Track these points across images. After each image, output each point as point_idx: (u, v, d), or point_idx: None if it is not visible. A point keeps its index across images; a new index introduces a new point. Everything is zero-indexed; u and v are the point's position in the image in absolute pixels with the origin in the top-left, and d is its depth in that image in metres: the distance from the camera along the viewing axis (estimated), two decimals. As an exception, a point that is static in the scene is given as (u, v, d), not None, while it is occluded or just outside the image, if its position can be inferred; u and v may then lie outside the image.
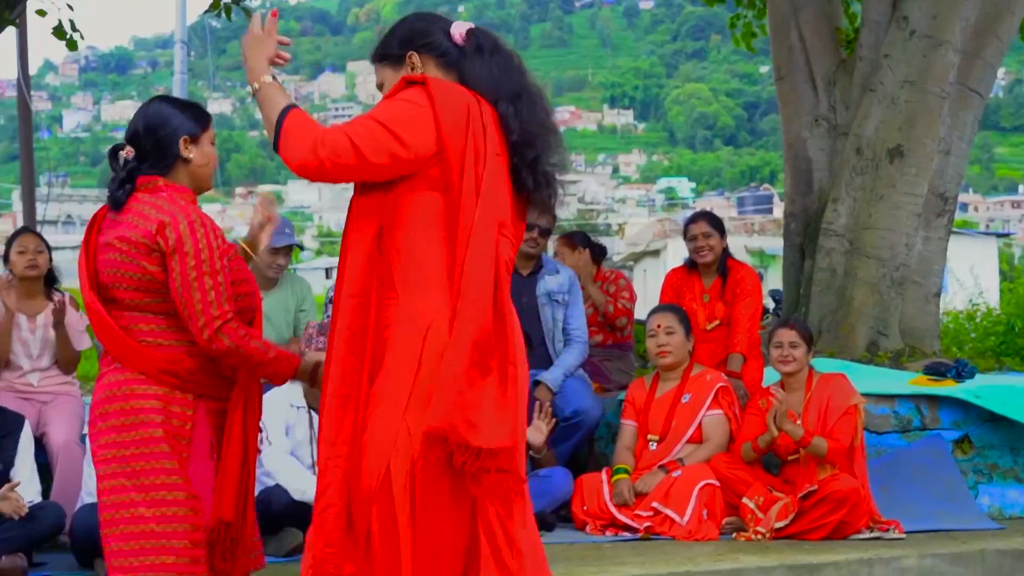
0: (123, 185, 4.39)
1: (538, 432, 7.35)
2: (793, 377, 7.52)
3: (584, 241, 9.13)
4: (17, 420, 6.84)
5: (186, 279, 4.18)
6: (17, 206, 55.87)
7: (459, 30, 4.04)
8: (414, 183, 3.80)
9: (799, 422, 7.29)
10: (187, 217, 4.24)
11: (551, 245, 9.07)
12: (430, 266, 3.79)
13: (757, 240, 37.84)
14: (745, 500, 7.28)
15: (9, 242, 7.73)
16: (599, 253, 9.24)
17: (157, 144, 4.41)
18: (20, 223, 25.21)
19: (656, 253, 41.42)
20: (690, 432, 7.62)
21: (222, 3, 10.10)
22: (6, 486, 6.36)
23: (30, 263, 7.54)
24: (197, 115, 4.52)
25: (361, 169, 3.76)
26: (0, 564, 6.44)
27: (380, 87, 4.10)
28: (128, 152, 4.43)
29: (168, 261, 4.21)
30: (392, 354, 3.74)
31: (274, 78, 3.95)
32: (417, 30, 4.05)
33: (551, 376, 7.93)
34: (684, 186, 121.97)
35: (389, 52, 4.07)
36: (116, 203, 4.37)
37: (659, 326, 7.79)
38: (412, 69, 3.98)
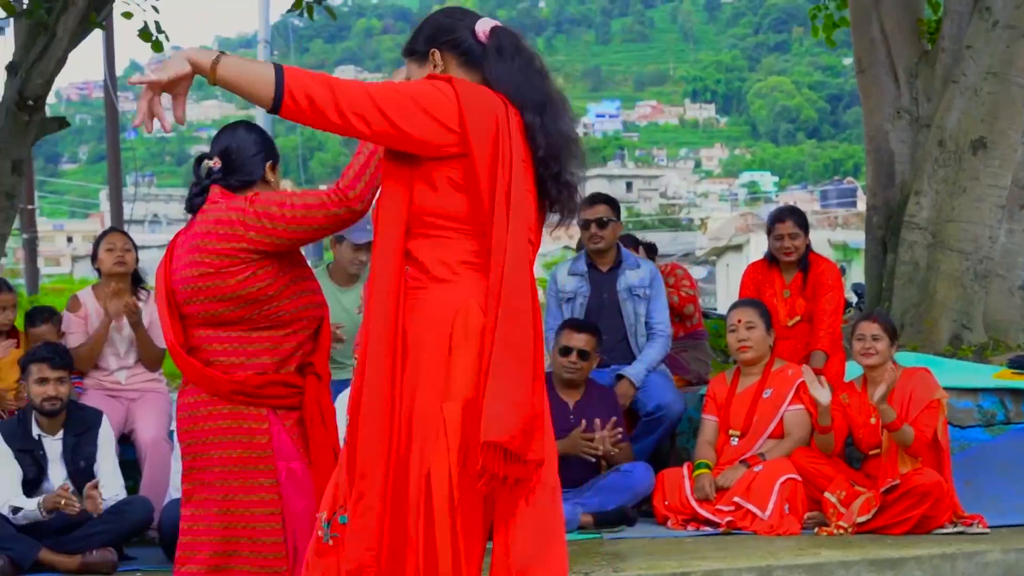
0: (202, 193, 4.59)
1: (601, 444, 7.36)
2: (875, 370, 7.48)
3: (635, 241, 9.20)
4: (95, 416, 6.95)
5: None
6: (104, 206, 56.55)
7: (483, 28, 3.95)
8: (437, 183, 3.76)
9: (881, 412, 7.25)
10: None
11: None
12: (457, 255, 3.77)
13: (840, 234, 37.61)
14: (827, 494, 7.26)
15: (97, 241, 7.86)
16: (651, 251, 9.29)
17: (247, 162, 4.66)
18: (107, 223, 25.56)
19: (738, 248, 41.22)
20: (771, 427, 7.61)
21: (304, 3, 10.17)
22: (88, 484, 6.49)
23: (118, 260, 7.66)
24: (274, 148, 4.80)
25: (394, 137, 3.73)
26: (91, 558, 6.57)
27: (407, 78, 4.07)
28: (216, 163, 4.62)
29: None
30: (423, 340, 3.73)
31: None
32: (442, 27, 3.97)
33: (634, 371, 7.96)
34: (767, 180, 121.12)
35: (415, 48, 4.01)
36: (193, 208, 4.55)
37: (739, 321, 7.78)
38: (435, 67, 3.93)
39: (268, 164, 4.72)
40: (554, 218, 4.03)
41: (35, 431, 6.79)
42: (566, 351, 7.61)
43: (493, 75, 3.87)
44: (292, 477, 4.54)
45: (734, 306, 8.03)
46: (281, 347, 4.56)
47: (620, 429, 7.43)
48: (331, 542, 3.79)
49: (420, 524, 3.68)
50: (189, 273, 4.51)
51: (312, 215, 4.37)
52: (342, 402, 7.07)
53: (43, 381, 6.73)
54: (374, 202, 4.04)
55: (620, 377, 7.95)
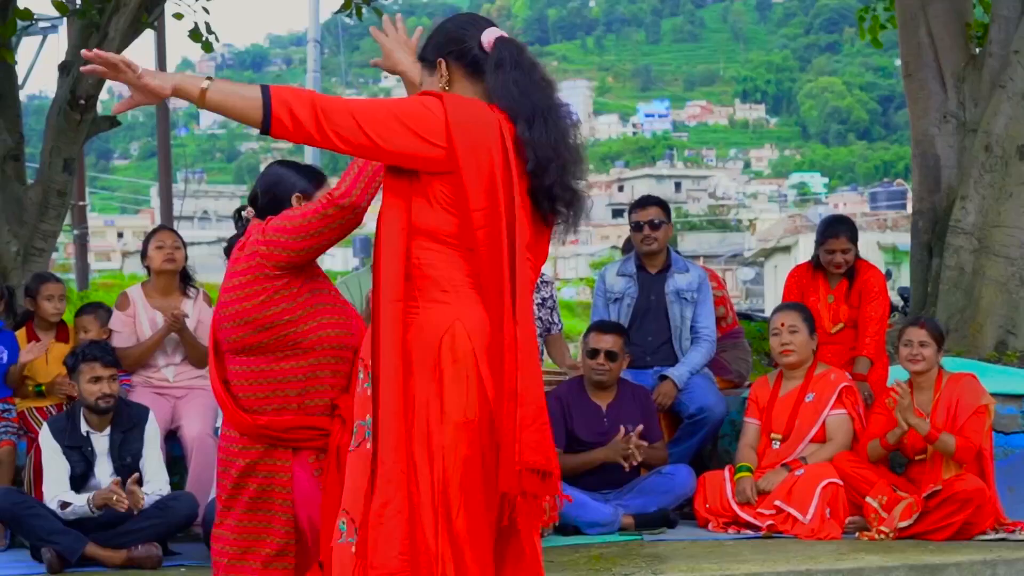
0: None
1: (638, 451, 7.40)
2: (922, 376, 7.46)
3: None
4: (142, 412, 7.03)
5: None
6: (155, 202, 56.93)
7: (488, 38, 3.93)
8: (425, 201, 3.79)
9: (927, 420, 7.25)
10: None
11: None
12: (449, 275, 3.79)
13: (890, 236, 37.41)
14: (868, 499, 7.25)
15: (147, 238, 7.94)
16: None
17: (272, 200, 4.85)
18: (158, 219, 25.76)
19: (787, 249, 41.05)
20: (813, 431, 7.60)
21: (353, 3, 10.24)
22: (130, 479, 6.58)
23: (167, 257, 7.74)
24: (311, 175, 4.97)
25: (376, 153, 3.78)
26: (136, 553, 6.66)
27: (420, 86, 4.11)
28: (249, 212, 4.81)
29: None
30: (414, 362, 3.78)
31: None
32: (451, 36, 3.95)
33: (677, 372, 7.98)
34: (816, 181, 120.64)
35: (425, 56, 4.01)
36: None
37: (782, 324, 7.78)
38: (441, 77, 3.94)
39: (295, 196, 4.87)
40: (560, 227, 4.03)
41: (83, 428, 6.88)
42: (594, 353, 7.63)
43: (491, 87, 3.88)
44: (312, 527, 4.76)
45: (777, 310, 8.03)
46: (306, 378, 4.73)
47: (639, 428, 7.41)
48: (355, 548, 3.83)
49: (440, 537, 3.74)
50: (223, 299, 4.77)
51: (309, 221, 4.56)
52: None
53: (96, 380, 6.82)
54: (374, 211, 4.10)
55: (663, 378, 7.98)
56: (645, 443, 7.40)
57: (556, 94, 3.94)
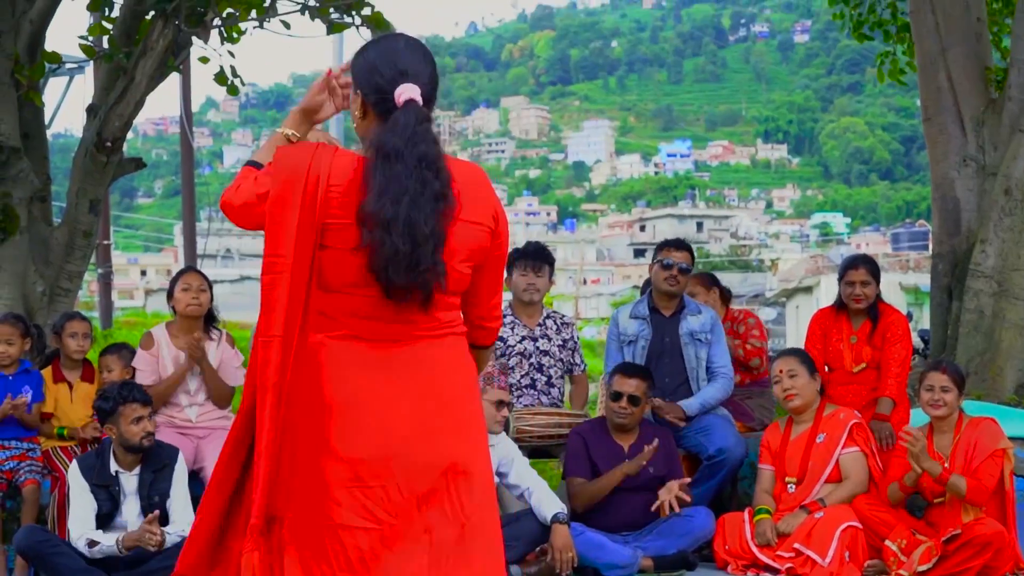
0: None
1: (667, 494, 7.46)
2: (943, 420, 7.49)
3: (714, 281, 9.23)
4: (172, 453, 7.09)
5: None
6: (178, 240, 57.11)
7: (400, 94, 3.78)
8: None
9: (946, 466, 7.26)
10: None
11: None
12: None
13: (912, 277, 37.37)
14: (888, 542, 7.26)
15: (174, 279, 7.99)
16: (727, 295, 9.33)
17: None
18: (181, 257, 25.86)
19: (808, 290, 41.05)
20: (827, 472, 7.61)
21: (376, 46, 10.30)
22: (148, 518, 6.63)
23: (193, 301, 7.80)
24: None
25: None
26: (154, 594, 6.71)
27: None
28: None
29: None
30: None
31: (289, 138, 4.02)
32: (374, 82, 3.83)
33: (688, 402, 8.02)
34: (839, 221, 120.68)
35: (352, 75, 3.92)
36: None
37: (781, 371, 7.82)
38: (357, 108, 3.87)
39: None
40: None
41: (113, 467, 6.94)
42: (617, 396, 7.67)
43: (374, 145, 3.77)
44: None
45: (775, 357, 8.07)
46: None
47: (655, 442, 7.48)
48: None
49: None
50: None
51: None
52: None
53: (139, 420, 6.91)
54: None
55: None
56: (687, 488, 7.47)
57: (432, 174, 3.73)
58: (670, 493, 7.39)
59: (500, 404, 7.27)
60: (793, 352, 8.04)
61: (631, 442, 7.70)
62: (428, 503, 3.70)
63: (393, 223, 3.61)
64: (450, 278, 3.77)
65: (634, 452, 7.62)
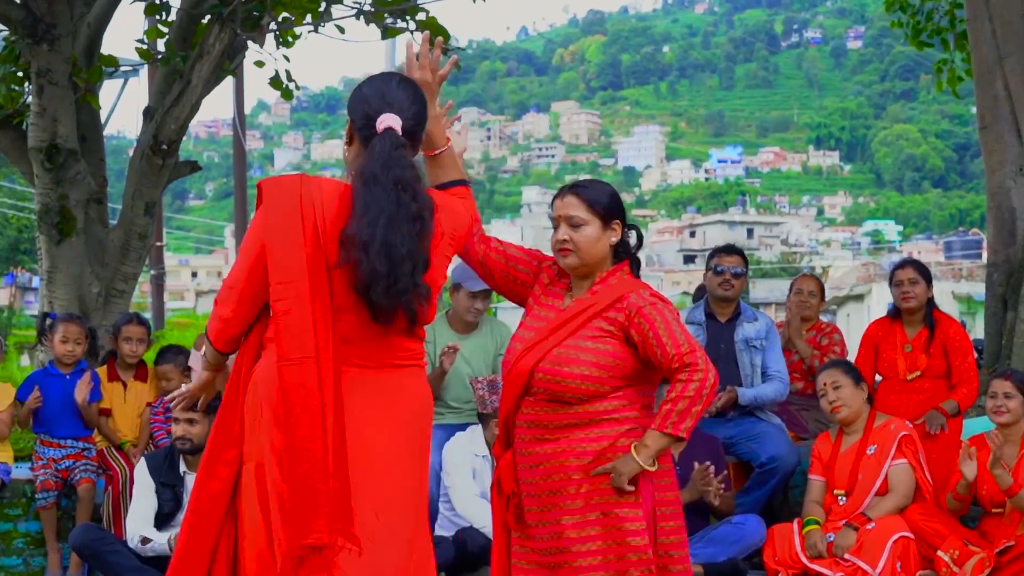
0: None
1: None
2: (1008, 428, 7.44)
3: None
4: (237, 459, 7.14)
5: None
6: (229, 242, 57.48)
7: (380, 123, 4.03)
8: None
9: (1009, 473, 7.22)
10: None
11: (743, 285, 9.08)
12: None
13: (965, 286, 37.14)
14: (940, 553, 7.21)
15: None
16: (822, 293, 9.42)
17: None
18: (232, 259, 25.98)
19: (860, 298, 40.85)
20: (877, 484, 7.54)
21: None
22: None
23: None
24: None
25: None
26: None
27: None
28: None
29: None
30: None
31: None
32: (362, 110, 4.11)
33: (741, 391, 8.00)
34: (891, 229, 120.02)
35: (347, 107, 4.21)
36: None
37: (825, 384, 7.76)
38: (347, 134, 4.20)
39: None
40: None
41: (182, 467, 7.02)
42: None
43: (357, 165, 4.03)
44: None
45: (819, 371, 8.01)
46: None
47: (709, 465, 7.44)
48: None
49: None
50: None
51: None
52: (451, 447, 7.28)
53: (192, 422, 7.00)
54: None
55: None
56: (720, 483, 7.43)
57: (409, 196, 3.91)
58: (709, 475, 7.37)
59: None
60: (836, 364, 7.98)
61: (680, 448, 7.66)
62: None
63: (370, 244, 3.81)
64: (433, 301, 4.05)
65: (684, 457, 7.59)
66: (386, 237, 3.81)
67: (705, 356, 4.52)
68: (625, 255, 4.77)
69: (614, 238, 4.70)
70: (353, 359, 3.93)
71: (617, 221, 4.71)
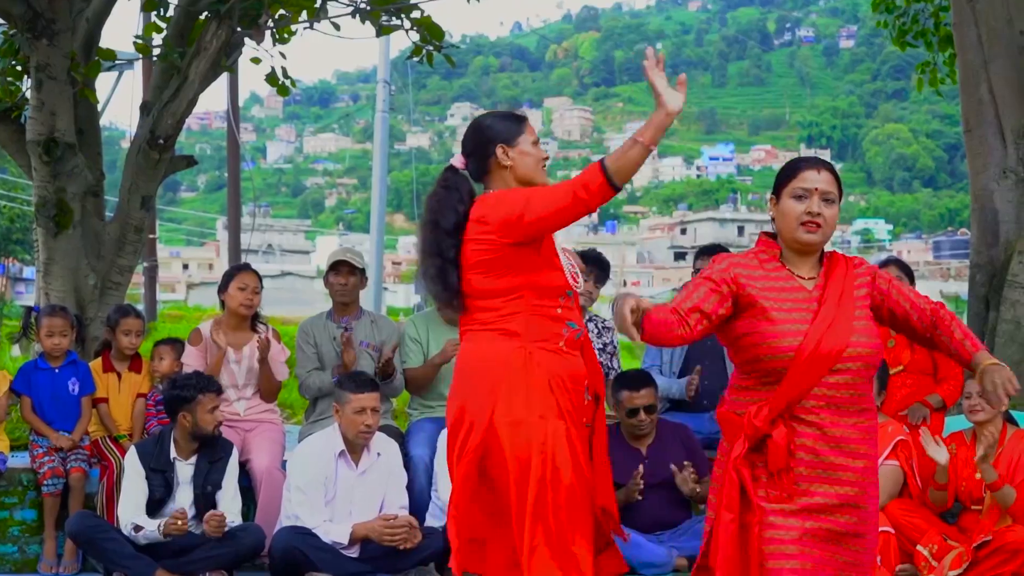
0: None
1: (684, 485, 7.55)
2: (984, 427, 7.56)
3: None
4: (227, 447, 7.28)
5: None
6: (221, 235, 57.40)
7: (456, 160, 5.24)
8: None
9: (995, 470, 7.33)
10: None
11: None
12: None
13: (953, 285, 37.26)
14: (919, 548, 7.32)
15: (230, 274, 8.11)
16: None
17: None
18: (224, 252, 26.00)
19: (849, 296, 40.89)
20: (868, 482, 7.67)
21: (424, 50, 10.42)
22: (209, 513, 6.83)
23: (246, 301, 7.93)
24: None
25: None
26: (204, 580, 6.90)
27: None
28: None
29: None
30: None
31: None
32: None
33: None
34: (881, 228, 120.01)
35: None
36: None
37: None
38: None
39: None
40: None
41: (172, 453, 7.13)
42: (632, 412, 7.61)
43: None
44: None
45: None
46: None
47: (687, 466, 7.52)
48: None
49: None
50: None
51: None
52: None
53: (214, 409, 7.16)
54: None
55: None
56: (695, 475, 7.53)
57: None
58: (686, 483, 7.48)
59: None
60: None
61: (648, 443, 7.71)
62: None
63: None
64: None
65: (653, 453, 7.65)
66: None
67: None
68: None
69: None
70: None
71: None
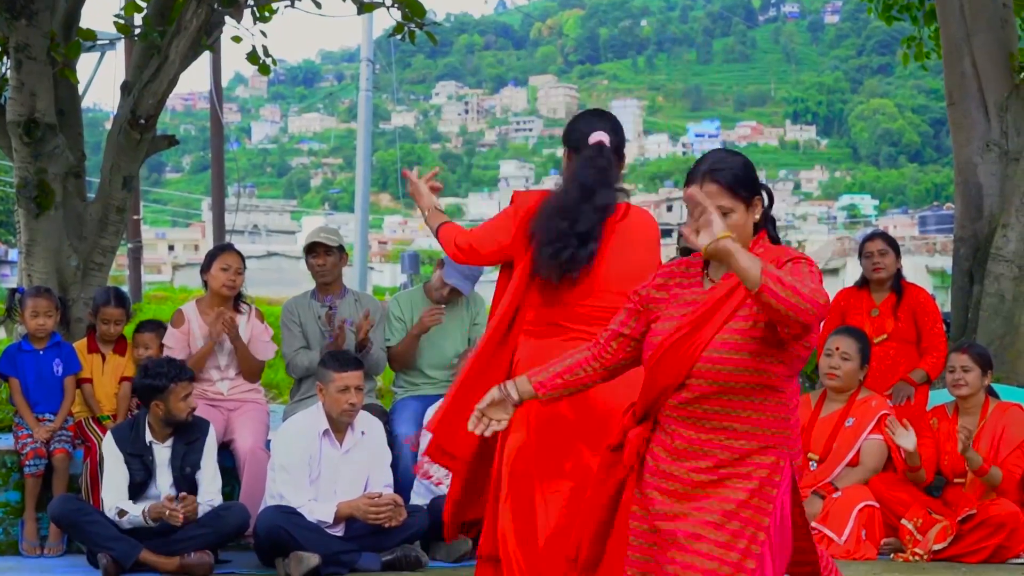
0: None
1: None
2: (967, 401, 7.59)
3: None
4: (203, 426, 7.25)
5: None
6: (207, 216, 57.30)
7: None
8: None
9: (980, 456, 7.36)
10: None
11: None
12: None
13: (938, 260, 37.32)
14: (904, 521, 7.35)
15: (213, 255, 8.07)
16: None
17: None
18: (209, 232, 25.95)
19: (835, 271, 40.95)
20: (850, 455, 7.69)
21: (405, 28, 10.39)
22: (182, 497, 6.85)
23: (229, 282, 7.90)
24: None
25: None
26: (188, 560, 6.88)
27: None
28: None
29: None
30: None
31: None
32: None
33: None
34: (867, 203, 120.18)
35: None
36: None
37: (837, 348, 7.86)
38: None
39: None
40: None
41: (147, 437, 7.11)
42: None
43: None
44: None
45: (836, 332, 8.08)
46: None
47: None
48: None
49: None
50: None
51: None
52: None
53: (187, 397, 7.11)
54: None
55: None
56: None
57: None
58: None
59: None
60: (855, 335, 7.99)
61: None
62: None
63: None
64: None
65: None
66: None
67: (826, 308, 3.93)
68: (762, 224, 4.29)
69: (757, 214, 4.24)
70: None
71: (757, 197, 4.23)
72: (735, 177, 4.16)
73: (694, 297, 4.21)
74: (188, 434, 7.14)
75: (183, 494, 6.89)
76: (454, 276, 7.92)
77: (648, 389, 4.21)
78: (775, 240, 4.37)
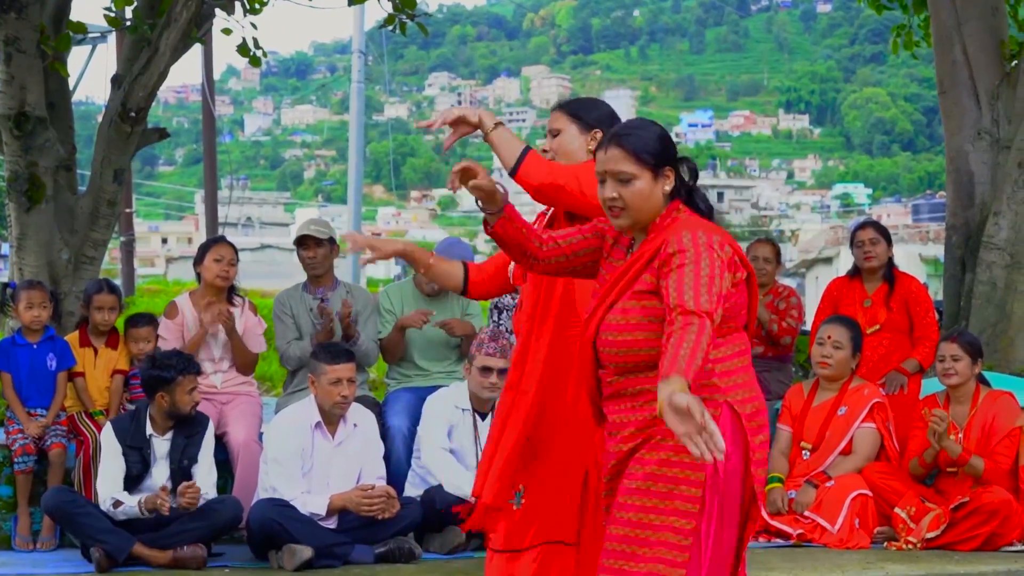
0: None
1: None
2: (957, 390, 7.60)
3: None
4: (203, 421, 7.25)
5: None
6: (200, 208, 57.16)
7: None
8: None
9: (960, 436, 7.37)
10: None
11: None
12: None
13: (932, 248, 37.33)
14: (897, 510, 7.37)
15: (206, 247, 8.11)
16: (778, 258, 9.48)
17: None
18: (202, 225, 25.93)
19: (828, 260, 41.03)
20: (842, 444, 7.71)
21: (396, 19, 10.38)
22: (183, 485, 6.81)
23: (222, 273, 7.93)
24: None
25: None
26: (181, 553, 6.88)
27: (555, 133, 5.03)
28: None
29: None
30: None
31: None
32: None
33: None
34: (860, 192, 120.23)
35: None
36: None
37: (829, 337, 7.89)
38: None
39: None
40: None
41: (148, 430, 7.10)
42: (486, 371, 7.36)
43: None
44: None
45: (828, 321, 8.11)
46: None
47: None
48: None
49: None
50: None
51: None
52: (432, 400, 7.31)
53: (192, 390, 7.10)
54: None
55: None
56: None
57: None
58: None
59: (486, 370, 7.36)
60: (847, 324, 8.03)
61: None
62: None
63: None
64: None
65: None
66: None
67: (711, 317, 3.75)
68: (684, 196, 4.18)
69: (668, 186, 4.10)
70: None
71: (669, 168, 4.11)
72: (642, 144, 4.07)
73: (615, 264, 4.19)
74: (188, 428, 7.14)
75: (187, 482, 6.89)
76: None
77: (578, 369, 4.26)
78: (703, 213, 4.24)
